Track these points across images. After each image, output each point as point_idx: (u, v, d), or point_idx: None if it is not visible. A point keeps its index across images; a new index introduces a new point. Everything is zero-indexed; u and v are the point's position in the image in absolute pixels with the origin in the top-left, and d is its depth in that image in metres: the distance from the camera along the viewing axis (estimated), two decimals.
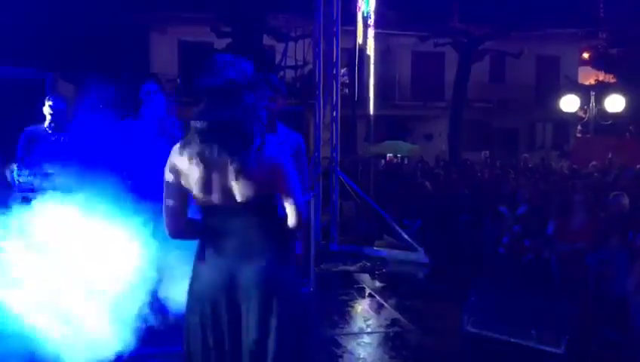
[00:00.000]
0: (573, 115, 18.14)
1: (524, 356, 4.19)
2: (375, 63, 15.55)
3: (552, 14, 17.42)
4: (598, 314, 5.04)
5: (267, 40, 15.54)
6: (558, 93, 18.16)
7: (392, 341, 4.69)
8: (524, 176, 10.56)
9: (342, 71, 12.10)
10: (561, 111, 17.47)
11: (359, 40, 14.02)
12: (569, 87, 18.63)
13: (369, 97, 14.91)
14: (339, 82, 8.48)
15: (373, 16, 14.70)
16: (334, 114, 8.20)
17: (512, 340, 4.35)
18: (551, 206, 6.89)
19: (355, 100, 13.85)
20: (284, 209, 2.32)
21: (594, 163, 11.86)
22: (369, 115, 14.89)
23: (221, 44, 14.83)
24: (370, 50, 15.19)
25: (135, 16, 16.39)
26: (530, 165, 14.14)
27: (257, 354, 2.22)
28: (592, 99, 16.30)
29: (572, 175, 10.62)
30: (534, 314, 4.45)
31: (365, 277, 6.76)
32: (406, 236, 7.64)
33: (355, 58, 13.23)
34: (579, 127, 19.46)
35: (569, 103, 16.91)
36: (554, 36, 20.67)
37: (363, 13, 14.28)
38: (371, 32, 15.02)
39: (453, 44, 18.27)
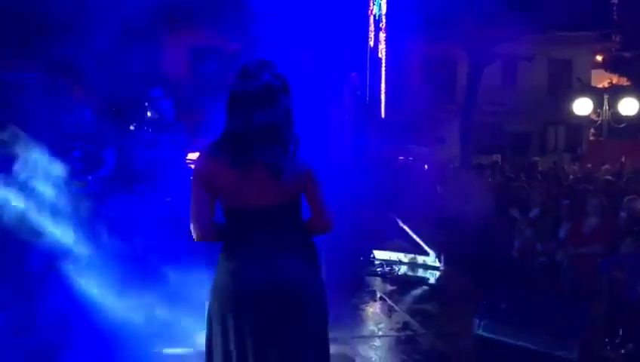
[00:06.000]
0: (586, 118, 18.02)
1: (536, 361, 4.17)
2: (386, 67, 15.57)
3: (565, 17, 17.32)
4: (612, 319, 5.00)
5: None
6: (571, 96, 18.04)
7: (404, 344, 4.68)
8: (536, 180, 10.50)
9: (352, 74, 12.13)
10: (573, 114, 17.36)
11: (371, 43, 14.04)
12: (582, 90, 18.51)
13: (380, 100, 14.94)
14: (350, 86, 8.51)
15: (384, 19, 14.73)
16: (345, 117, 8.23)
17: (524, 345, 4.33)
18: (563, 209, 6.85)
19: (366, 103, 13.86)
20: (309, 213, 2.33)
21: (607, 166, 11.78)
22: (380, 118, 14.90)
23: (232, 48, 14.90)
24: (382, 53, 15.21)
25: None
26: (541, 168, 14.06)
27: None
28: (606, 102, 16.20)
29: (585, 178, 10.55)
30: (546, 318, 4.43)
31: (376, 281, 6.76)
32: (417, 239, 7.62)
33: (366, 61, 13.26)
34: (592, 130, 19.34)
35: (582, 106, 16.81)
36: (566, 39, 20.55)
37: (375, 16, 14.32)
38: (383, 34, 15.04)
39: (464, 48, 18.22)
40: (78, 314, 4.36)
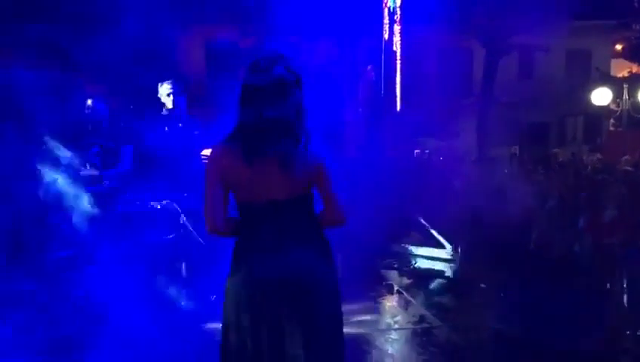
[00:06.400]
0: (606, 108, 17.76)
1: (554, 353, 4.13)
2: (401, 59, 15.47)
3: (583, 6, 17.06)
4: (633, 310, 4.94)
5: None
6: (590, 86, 17.79)
7: (420, 337, 4.67)
8: (555, 171, 10.40)
9: (368, 67, 12.08)
10: (592, 104, 17.12)
11: (385, 36, 13.96)
12: (601, 80, 18.23)
13: (396, 94, 14.86)
14: (365, 79, 8.49)
15: (399, 12, 14.64)
16: (360, 110, 8.22)
17: (542, 337, 4.30)
18: (582, 200, 6.78)
19: (382, 97, 13.80)
20: (321, 206, 2.33)
21: (627, 157, 11.59)
22: (396, 111, 14.83)
23: (246, 43, 14.90)
24: (397, 46, 15.12)
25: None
26: (560, 159, 13.91)
27: (305, 358, 2.19)
28: (625, 91, 15.94)
29: (604, 169, 10.41)
30: (564, 310, 4.39)
31: (393, 274, 6.76)
32: (434, 232, 7.59)
33: (381, 54, 13.19)
34: (611, 121, 19.05)
35: (601, 96, 16.57)
36: (585, 28, 20.25)
37: (389, 8, 14.24)
38: (397, 27, 14.95)
39: (480, 39, 18.05)
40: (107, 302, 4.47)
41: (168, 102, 5.07)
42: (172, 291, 5.04)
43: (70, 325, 4.51)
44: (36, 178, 5.08)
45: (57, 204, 5.14)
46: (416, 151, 18.37)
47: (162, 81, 5.25)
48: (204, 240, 4.76)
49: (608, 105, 17.12)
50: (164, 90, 5.13)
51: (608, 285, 5.33)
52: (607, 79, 18.50)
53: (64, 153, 5.16)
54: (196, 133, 5.03)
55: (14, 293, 4.85)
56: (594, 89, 16.92)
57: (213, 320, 2.50)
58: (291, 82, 2.22)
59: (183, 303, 4.95)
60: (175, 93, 5.04)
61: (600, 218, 6.22)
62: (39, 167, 5.09)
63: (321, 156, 2.26)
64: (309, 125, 2.27)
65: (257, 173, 2.19)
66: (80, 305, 4.87)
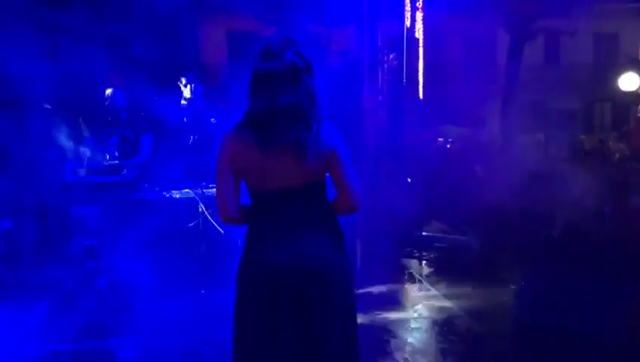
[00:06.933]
0: (634, 93, 17.39)
1: (577, 344, 4.07)
2: (424, 46, 15.28)
3: None
4: None
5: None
6: (618, 71, 17.41)
7: (440, 326, 4.64)
8: (581, 158, 10.24)
9: (390, 56, 11.94)
10: (620, 90, 16.78)
11: (407, 23, 13.80)
12: (629, 65, 17.83)
13: (418, 81, 14.70)
14: (385, 67, 8.41)
15: None
16: (380, 98, 8.16)
17: (564, 327, 4.24)
18: (608, 188, 6.65)
19: (404, 84, 13.66)
20: (335, 193, 2.31)
21: None
22: (419, 99, 14.69)
23: (268, 32, 14.86)
24: (419, 32, 14.94)
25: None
26: (586, 147, 13.68)
27: (319, 347, 2.19)
28: None
29: (631, 156, 10.20)
30: (588, 300, 4.31)
31: (413, 263, 6.73)
32: (455, 221, 7.53)
33: (403, 42, 13.03)
34: (639, 107, 18.65)
35: (629, 81, 16.24)
36: (612, 12, 19.78)
37: None
38: (419, 14, 14.76)
39: (504, 24, 17.74)
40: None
41: (186, 92, 5.09)
42: (194, 278, 5.09)
43: (95, 312, 4.59)
44: (59, 168, 5.16)
45: (80, 194, 5.21)
46: (439, 139, 18.20)
47: (182, 69, 5.27)
48: (222, 228, 4.78)
49: (637, 90, 16.77)
50: (182, 79, 5.14)
51: (636, 273, 5.21)
52: (635, 64, 18.09)
53: (86, 143, 5.23)
54: (213, 120, 5.04)
55: (41, 282, 4.95)
56: (622, 74, 16.57)
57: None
58: (303, 68, 2.20)
59: (203, 291, 4.99)
60: (193, 82, 5.05)
61: (627, 205, 6.10)
62: (61, 157, 5.16)
63: (334, 142, 2.23)
64: (322, 111, 2.24)
65: (270, 160, 2.17)
66: (104, 292, 4.95)
